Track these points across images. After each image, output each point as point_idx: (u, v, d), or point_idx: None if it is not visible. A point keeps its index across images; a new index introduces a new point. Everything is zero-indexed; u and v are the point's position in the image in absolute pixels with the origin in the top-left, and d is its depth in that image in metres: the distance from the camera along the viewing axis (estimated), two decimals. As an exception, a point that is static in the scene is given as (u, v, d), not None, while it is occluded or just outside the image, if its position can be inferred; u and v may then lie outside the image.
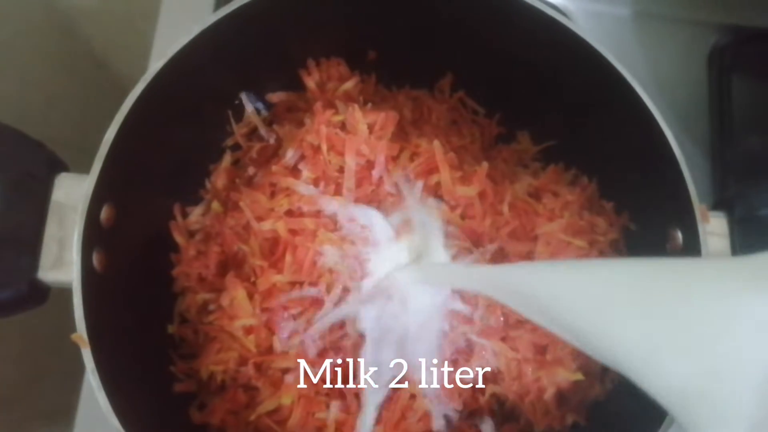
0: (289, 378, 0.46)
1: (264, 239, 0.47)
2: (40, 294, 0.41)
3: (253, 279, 0.47)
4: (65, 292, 0.41)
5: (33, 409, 0.87)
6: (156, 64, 0.42)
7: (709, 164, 0.63)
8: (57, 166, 0.42)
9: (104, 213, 0.41)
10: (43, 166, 0.41)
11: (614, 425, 0.47)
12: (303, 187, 0.47)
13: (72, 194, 0.41)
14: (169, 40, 0.63)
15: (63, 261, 0.40)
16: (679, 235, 0.43)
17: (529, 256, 0.47)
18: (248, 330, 0.46)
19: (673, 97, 0.61)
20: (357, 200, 0.47)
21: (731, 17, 0.67)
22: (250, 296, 0.46)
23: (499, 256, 0.47)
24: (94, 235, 0.40)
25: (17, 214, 0.39)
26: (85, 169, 0.43)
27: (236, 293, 0.46)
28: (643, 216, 0.48)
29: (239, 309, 0.46)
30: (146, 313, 0.48)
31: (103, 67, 0.97)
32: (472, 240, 0.47)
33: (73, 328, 0.37)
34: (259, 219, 0.47)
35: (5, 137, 0.39)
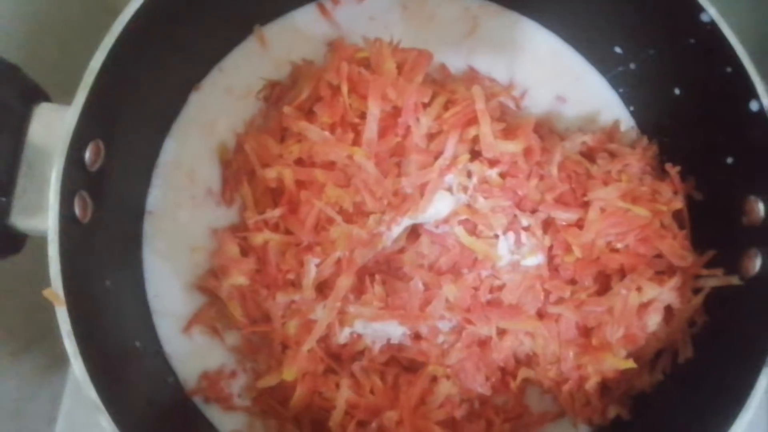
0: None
1: (267, 188, 0.42)
2: (12, 242, 0.35)
3: (245, 235, 0.42)
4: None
5: (39, 361, 0.85)
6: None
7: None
8: (35, 95, 0.36)
9: (90, 152, 0.35)
10: (18, 95, 0.35)
11: (661, 422, 0.41)
12: (316, 133, 0.41)
13: (52, 129, 0.35)
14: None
15: (40, 206, 0.34)
16: (761, 207, 0.38)
17: (578, 224, 0.40)
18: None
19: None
20: (378, 153, 0.41)
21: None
22: (244, 253, 0.42)
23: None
24: (77, 178, 0.34)
25: (-14, 150, 0.33)
26: (69, 100, 0.37)
27: (228, 248, 0.41)
28: (713, 183, 0.42)
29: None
30: (132, 270, 0.43)
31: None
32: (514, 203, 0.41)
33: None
34: (265, 165, 0.42)
35: (-29, 58, 0.34)
